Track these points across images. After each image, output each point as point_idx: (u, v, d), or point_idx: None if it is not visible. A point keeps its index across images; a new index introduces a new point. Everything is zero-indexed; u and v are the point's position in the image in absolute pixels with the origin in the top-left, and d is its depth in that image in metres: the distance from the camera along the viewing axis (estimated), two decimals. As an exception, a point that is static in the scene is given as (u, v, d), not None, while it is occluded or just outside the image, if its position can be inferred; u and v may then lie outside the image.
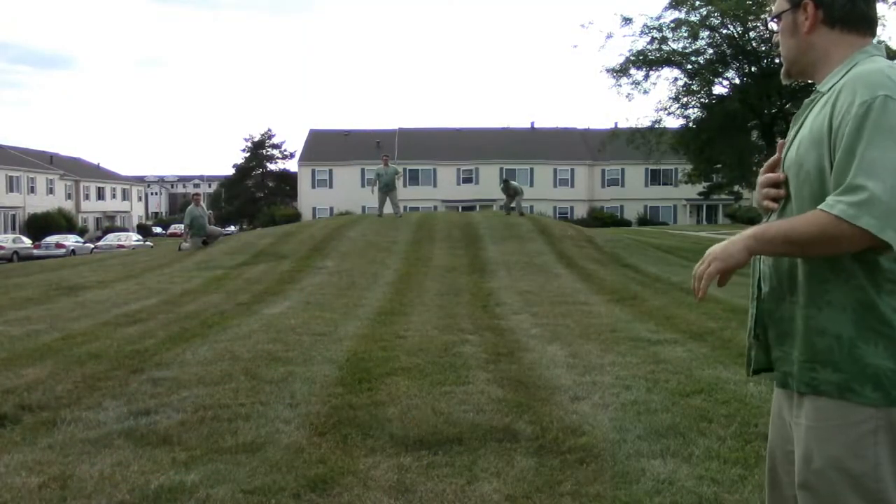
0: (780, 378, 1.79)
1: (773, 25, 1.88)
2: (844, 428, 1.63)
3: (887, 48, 18.69)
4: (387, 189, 19.89)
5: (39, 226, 51.99)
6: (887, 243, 1.53)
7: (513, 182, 22.76)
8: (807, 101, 1.80)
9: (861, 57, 1.72)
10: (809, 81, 1.86)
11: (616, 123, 33.19)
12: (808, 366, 1.69)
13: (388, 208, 20.09)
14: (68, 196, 63.74)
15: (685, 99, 22.39)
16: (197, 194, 21.01)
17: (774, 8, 1.85)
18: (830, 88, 1.72)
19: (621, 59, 21.29)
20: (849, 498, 1.62)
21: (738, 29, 20.40)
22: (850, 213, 1.54)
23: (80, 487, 3.43)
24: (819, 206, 1.60)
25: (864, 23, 1.75)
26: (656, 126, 22.50)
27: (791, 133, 1.81)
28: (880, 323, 1.61)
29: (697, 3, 20.10)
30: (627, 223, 53.05)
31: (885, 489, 1.60)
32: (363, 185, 48.35)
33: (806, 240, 1.61)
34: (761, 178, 1.83)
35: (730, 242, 1.72)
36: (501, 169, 53.49)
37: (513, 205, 21.71)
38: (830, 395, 1.66)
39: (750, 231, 1.72)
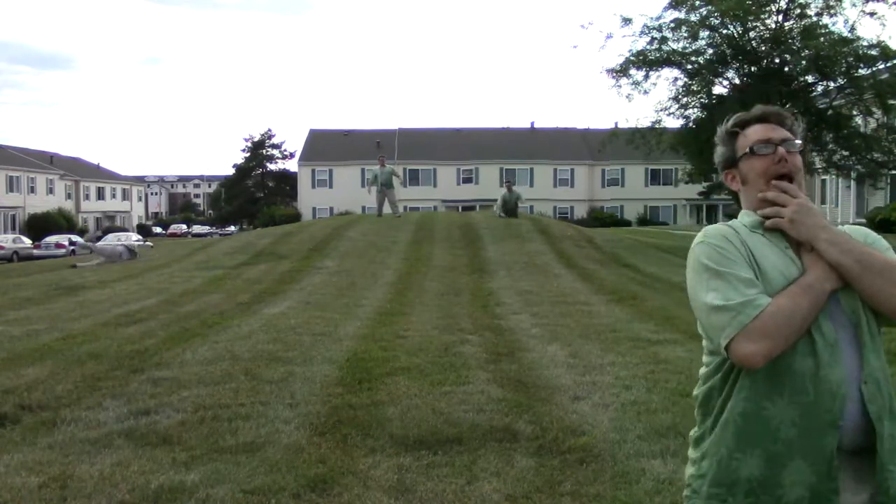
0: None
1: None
2: None
3: (887, 48, 18.69)
4: (384, 189, 19.89)
5: (39, 226, 51.90)
6: None
7: (515, 188, 21.94)
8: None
9: None
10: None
11: (616, 123, 33.15)
12: None
13: (387, 208, 20.09)
14: (68, 196, 63.73)
15: (685, 99, 22.32)
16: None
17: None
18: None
19: (621, 60, 21.25)
20: None
21: (738, 29, 20.37)
22: None
23: (80, 487, 3.43)
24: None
25: None
26: (656, 126, 22.47)
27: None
28: None
29: (697, 3, 20.07)
30: (627, 223, 53.00)
31: None
32: (363, 185, 48.30)
33: None
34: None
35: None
36: (501, 169, 53.50)
37: (507, 213, 20.68)
38: None
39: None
